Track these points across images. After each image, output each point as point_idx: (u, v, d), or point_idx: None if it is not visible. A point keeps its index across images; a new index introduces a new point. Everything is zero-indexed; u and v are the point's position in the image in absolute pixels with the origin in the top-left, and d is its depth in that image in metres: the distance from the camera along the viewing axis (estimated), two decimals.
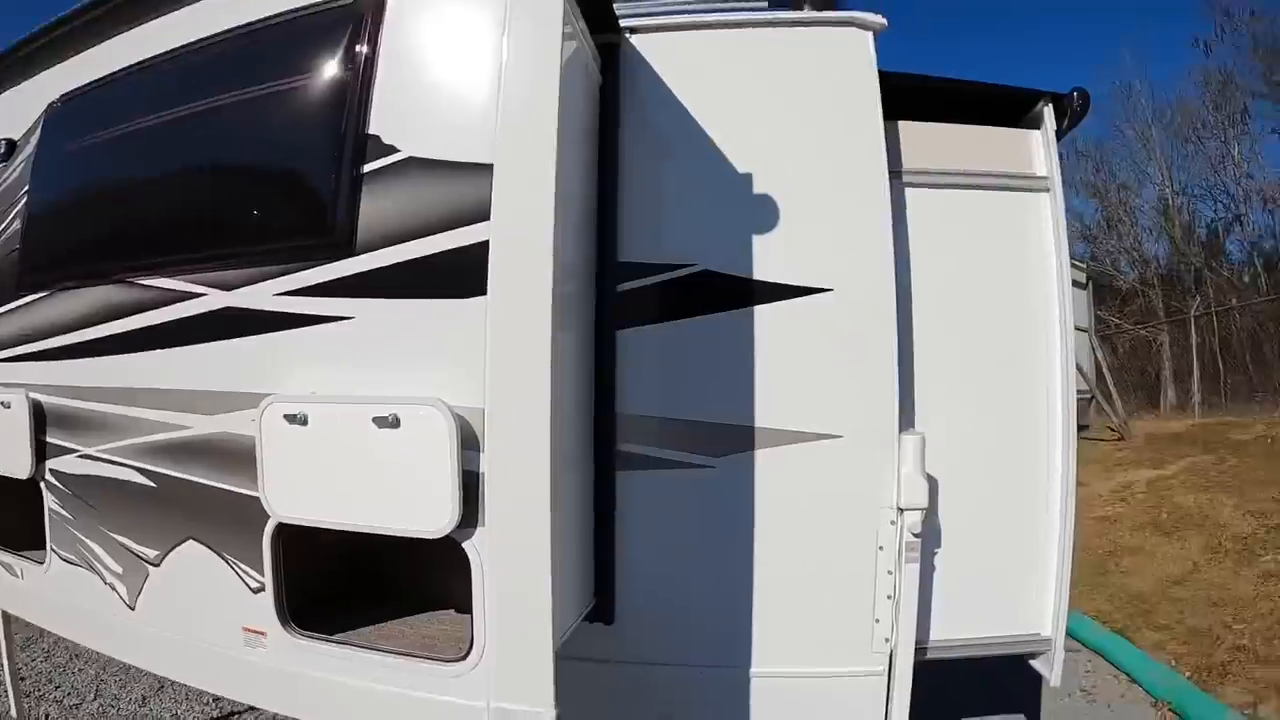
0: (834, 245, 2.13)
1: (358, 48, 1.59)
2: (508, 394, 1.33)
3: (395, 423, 1.39)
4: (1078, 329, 10.44)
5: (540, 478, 1.28)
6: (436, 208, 1.46)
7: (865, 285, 2.11)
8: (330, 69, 1.63)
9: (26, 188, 2.17)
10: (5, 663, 3.36)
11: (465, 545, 1.38)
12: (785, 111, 2.15)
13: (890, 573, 2.14)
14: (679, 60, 2.12)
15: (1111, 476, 8.25)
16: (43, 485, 2.08)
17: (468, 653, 1.39)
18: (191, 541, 1.75)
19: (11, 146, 2.22)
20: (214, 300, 1.74)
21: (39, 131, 2.18)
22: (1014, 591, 2.40)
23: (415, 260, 1.48)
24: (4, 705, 3.36)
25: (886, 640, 2.17)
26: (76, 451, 2.00)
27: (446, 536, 1.38)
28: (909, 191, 2.35)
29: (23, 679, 4.28)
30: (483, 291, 1.36)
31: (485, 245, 1.37)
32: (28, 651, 4.77)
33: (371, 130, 1.55)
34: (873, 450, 2.10)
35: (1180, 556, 5.67)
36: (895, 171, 2.30)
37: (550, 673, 1.32)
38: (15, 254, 2.17)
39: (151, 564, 1.83)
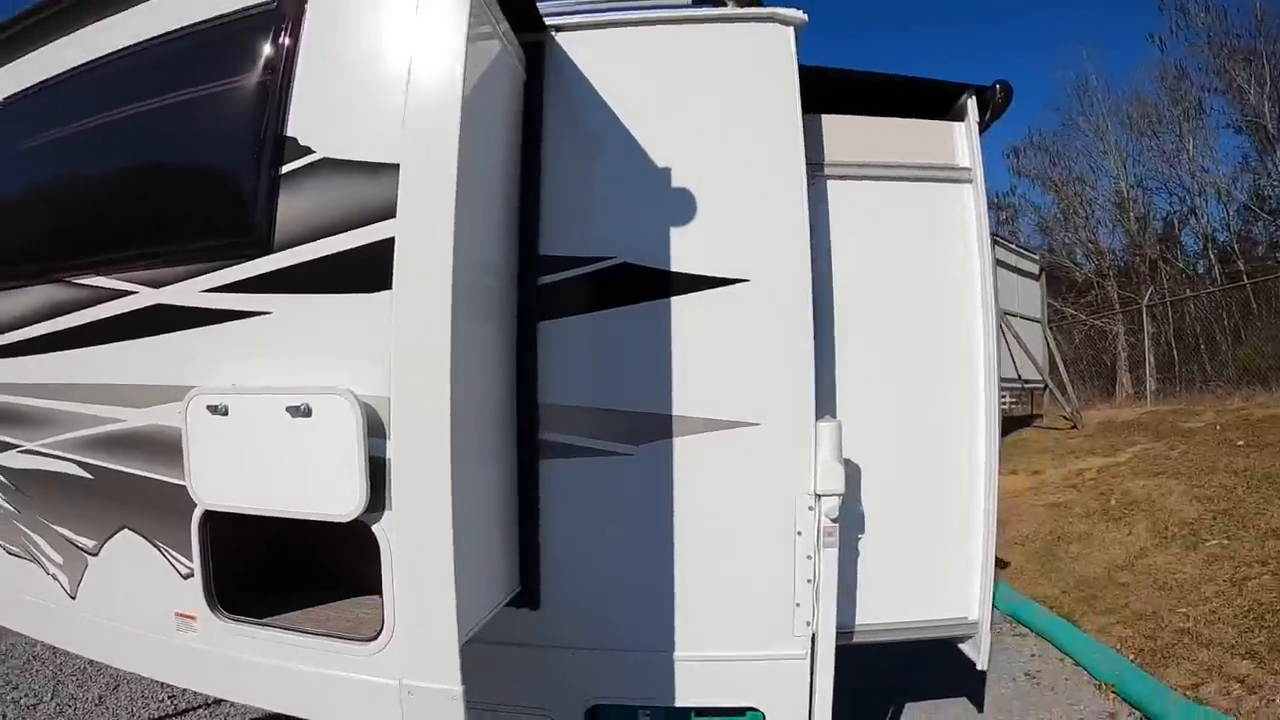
0: (751, 237, 2.17)
1: (278, 52, 1.65)
2: (410, 384, 1.40)
3: (307, 412, 1.45)
4: (1031, 319, 10.61)
5: (441, 464, 1.35)
6: (348, 206, 1.53)
7: (781, 276, 2.15)
8: (253, 73, 1.69)
9: None
10: None
11: (375, 529, 1.45)
12: (706, 106, 2.19)
13: (809, 558, 2.17)
14: (602, 57, 2.17)
15: (1063, 464, 8.41)
16: None
17: (379, 633, 1.45)
18: (126, 530, 1.81)
19: None
20: (145, 298, 1.80)
21: None
22: (939, 576, 2.46)
23: (328, 257, 1.55)
24: None
25: (808, 624, 2.20)
26: (18, 447, 2.04)
27: (356, 520, 1.44)
28: (831, 184, 2.40)
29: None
30: (388, 286, 1.43)
31: (391, 242, 1.44)
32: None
33: (289, 132, 1.61)
34: (789, 437, 2.15)
35: (1127, 542, 5.80)
36: (817, 164, 2.36)
37: (456, 651, 1.38)
38: None
39: (90, 553, 1.89)
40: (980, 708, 3.88)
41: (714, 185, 2.16)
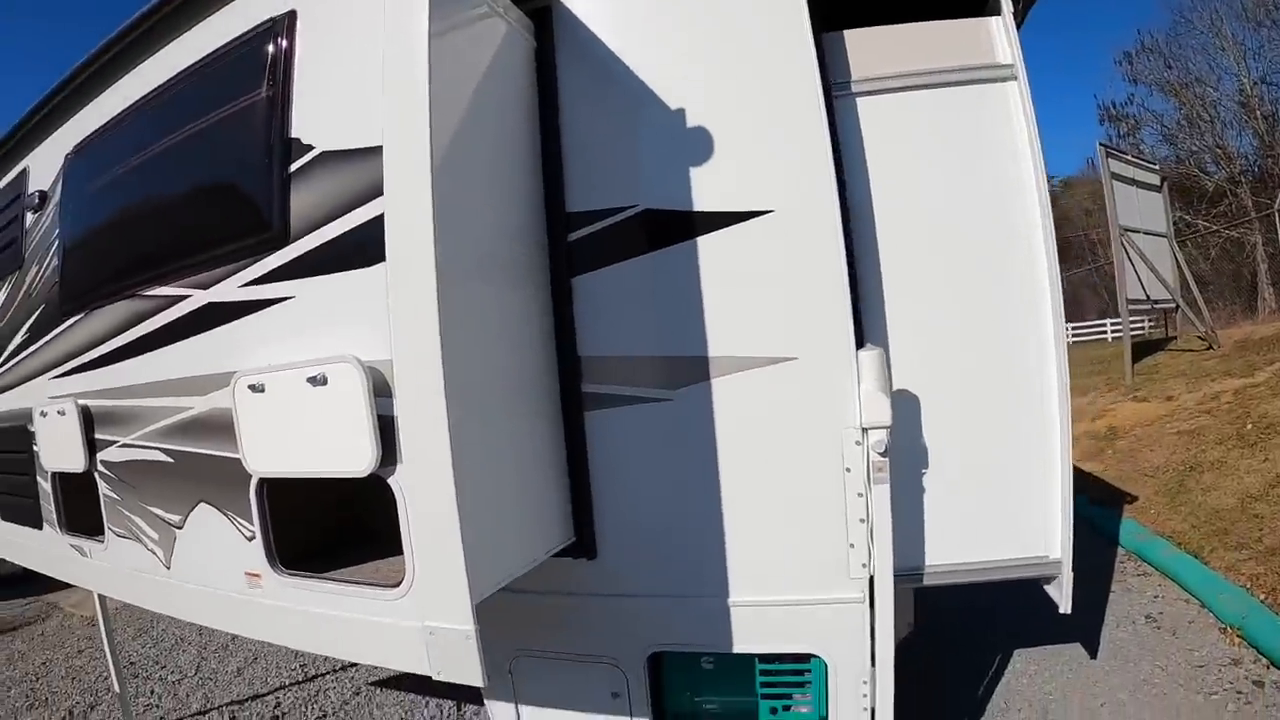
0: (770, 167, 2.14)
1: (278, 63, 1.83)
2: (406, 346, 1.52)
3: (324, 380, 1.62)
4: (1156, 235, 9.69)
5: (439, 419, 1.47)
6: (345, 191, 1.68)
7: (805, 203, 2.10)
8: (260, 86, 1.88)
9: (57, 230, 2.55)
10: (107, 645, 3.91)
11: (390, 482, 1.59)
12: (714, 41, 2.19)
13: (860, 495, 2.10)
14: (609, 9, 2.21)
15: (1198, 388, 7.66)
16: (95, 475, 2.46)
17: (401, 580, 1.59)
18: (203, 504, 2.07)
19: (43, 197, 2.60)
20: (198, 299, 2.04)
21: (61, 180, 2.55)
22: (1014, 512, 2.34)
23: (335, 239, 1.71)
24: (110, 683, 3.91)
25: (864, 565, 2.13)
26: (117, 442, 2.36)
27: (373, 475, 1.58)
28: (862, 101, 2.32)
29: (132, 663, 4.96)
30: (383, 258, 1.55)
31: (381, 218, 1.56)
32: (139, 640, 5.50)
33: (294, 134, 1.78)
34: (830, 370, 2.10)
35: (1264, 469, 5.27)
36: (843, 82, 2.30)
37: (467, 593, 1.50)
38: (56, 287, 2.55)
39: (178, 527, 2.17)
40: (1094, 654, 3.74)
41: (728, 118, 2.15)
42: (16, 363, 2.85)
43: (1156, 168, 10.10)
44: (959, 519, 2.33)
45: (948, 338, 2.29)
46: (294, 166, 1.77)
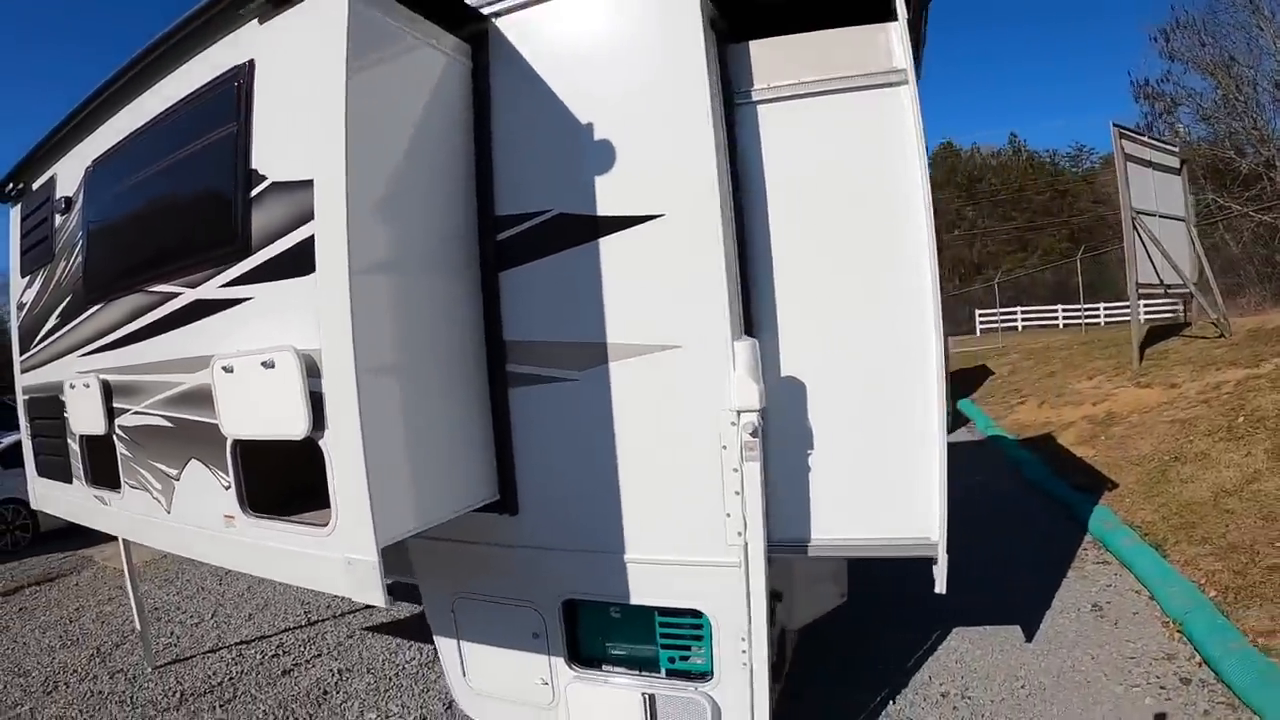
0: (663, 174, 2.44)
1: (241, 105, 2.30)
2: (327, 337, 2.00)
3: (272, 364, 2.13)
4: (1172, 218, 9.61)
5: (350, 394, 1.96)
6: (290, 215, 2.16)
7: (692, 207, 2.36)
8: (231, 123, 2.36)
9: (81, 231, 3.11)
10: (130, 589, 4.61)
11: (320, 444, 2.09)
12: (620, 58, 2.49)
13: (735, 470, 2.38)
14: (534, 32, 2.57)
15: (1202, 376, 7.70)
16: (114, 438, 3.05)
17: (329, 521, 2.09)
18: (194, 460, 2.62)
19: (69, 202, 3.17)
20: (188, 295, 2.56)
21: (83, 188, 3.11)
22: (894, 493, 2.50)
23: (281, 253, 2.19)
24: (134, 624, 4.62)
25: (739, 534, 2.42)
26: (130, 410, 2.93)
27: (308, 439, 2.09)
28: (762, 109, 2.52)
29: (157, 608, 5.74)
30: (314, 269, 2.04)
31: (313, 237, 2.04)
32: (164, 589, 6.32)
33: (254, 165, 2.26)
34: (709, 358, 2.37)
35: (1243, 464, 5.43)
36: (745, 92, 2.54)
37: (372, 533, 1.98)
38: (81, 280, 3.13)
39: (175, 479, 2.73)
40: (1030, 638, 3.95)
41: (630, 131, 2.46)
42: (50, 343, 3.48)
43: (1175, 150, 9.94)
44: (842, 497, 2.54)
45: (835, 329, 2.49)
46: (254, 193, 2.25)
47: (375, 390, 2.03)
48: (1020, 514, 6.36)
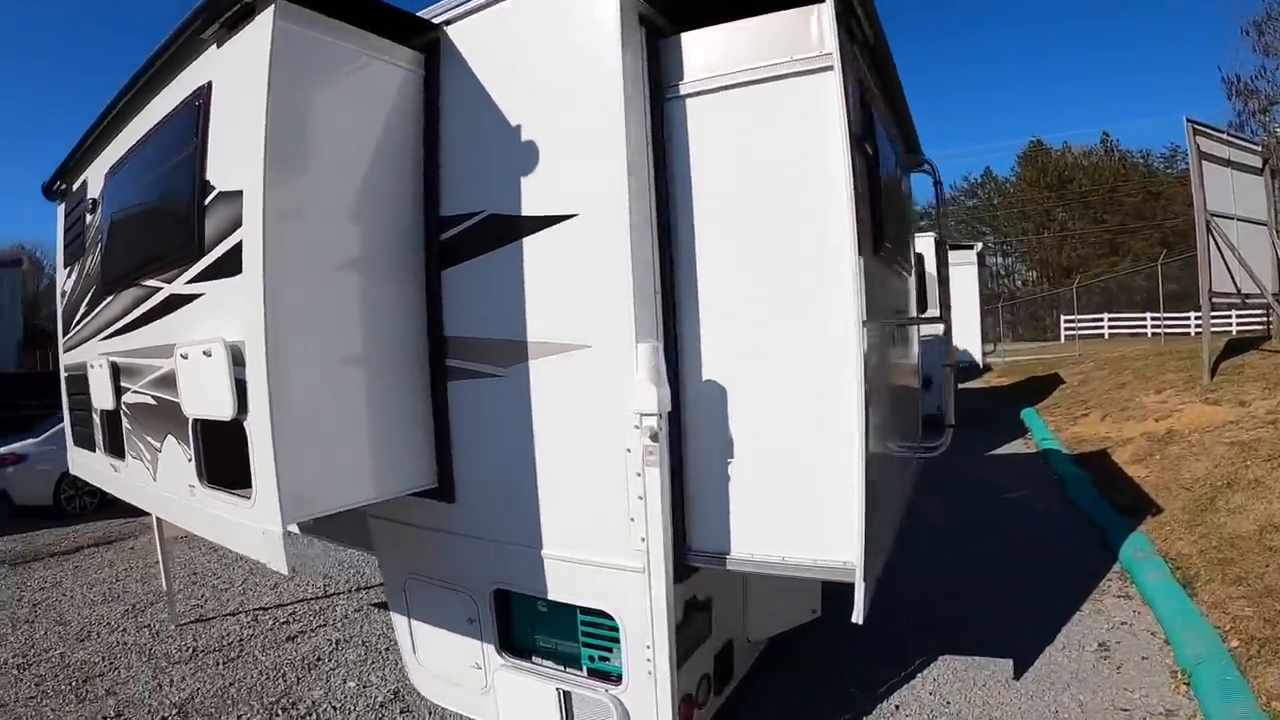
0: (578, 174, 2.49)
1: (198, 124, 2.63)
2: (247, 331, 2.29)
3: (209, 353, 2.44)
4: (1253, 222, 8.87)
5: (263, 382, 2.24)
6: (228, 222, 2.45)
7: (603, 206, 2.41)
8: (191, 141, 2.70)
9: (103, 229, 3.59)
10: (160, 553, 5.19)
11: (244, 425, 2.38)
12: (546, 58, 2.59)
13: (638, 475, 2.40)
14: (477, 39, 2.74)
15: (1274, 395, 7.15)
16: (120, 413, 3.51)
17: (251, 494, 2.38)
18: (169, 435, 2.99)
19: (95, 204, 3.66)
20: (165, 291, 2.94)
21: (103, 191, 3.58)
22: (813, 513, 2.39)
23: (221, 255, 2.50)
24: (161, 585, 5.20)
25: (642, 539, 2.43)
26: (130, 389, 3.37)
27: (234, 420, 2.39)
28: (690, 102, 2.48)
29: (196, 572, 6.40)
30: (241, 270, 2.33)
31: (241, 243, 2.34)
32: (208, 556, 7.01)
33: (207, 176, 2.59)
34: (615, 359, 2.39)
35: None
36: (674, 85, 2.50)
37: (278, 508, 2.24)
38: (100, 273, 3.60)
39: (159, 451, 3.13)
40: (1019, 674, 3.79)
41: (552, 130, 2.57)
42: (81, 327, 4.02)
43: (1258, 148, 9.11)
44: (759, 510, 2.45)
45: (755, 333, 2.42)
46: (206, 201, 2.57)
47: (289, 379, 2.30)
48: (1052, 534, 6.12)
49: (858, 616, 2.28)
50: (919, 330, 4.89)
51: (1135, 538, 5.47)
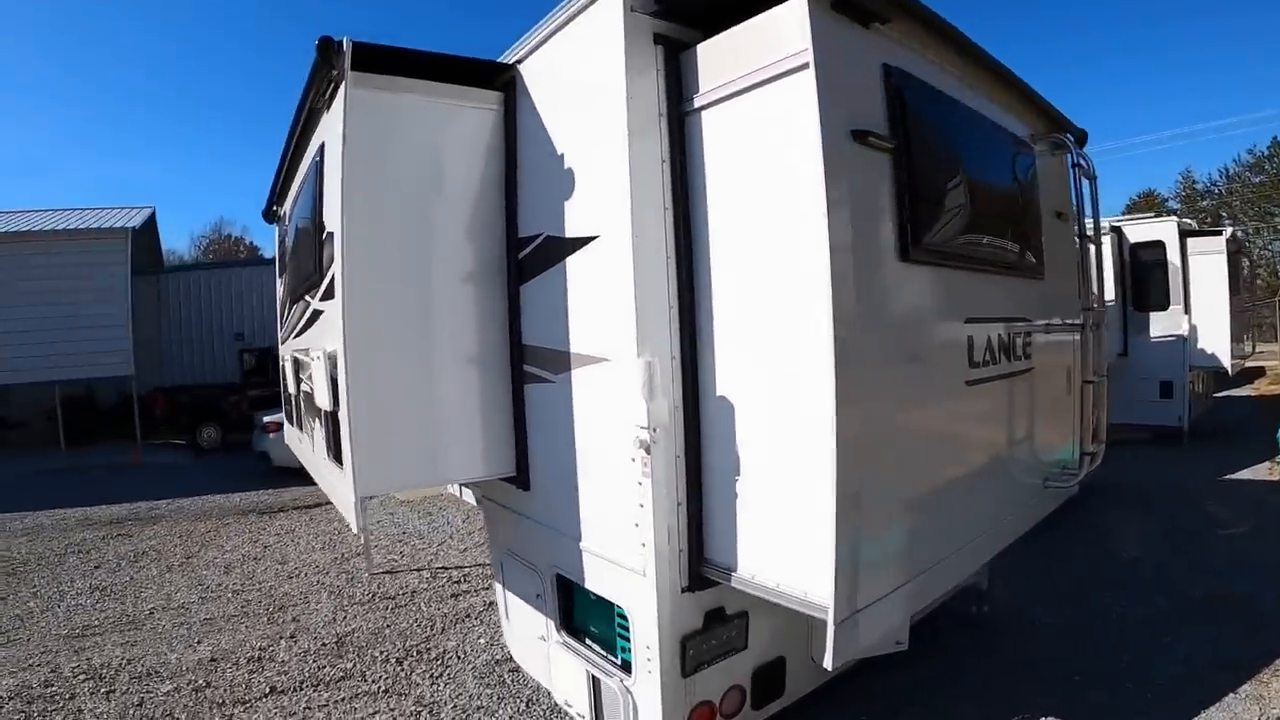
0: (600, 198, 2.68)
1: (320, 174, 3.29)
2: (336, 344, 2.90)
3: (318, 359, 3.10)
4: None
5: (344, 384, 2.81)
6: (329, 256, 3.06)
7: (615, 227, 2.57)
8: (316, 187, 3.38)
9: (288, 253, 4.56)
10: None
11: (338, 415, 2.98)
12: (576, 87, 2.83)
13: (640, 484, 2.54)
14: (536, 75, 3.10)
15: None
16: (299, 397, 4.47)
17: (344, 468, 2.98)
18: (315, 418, 3.80)
19: (285, 231, 4.66)
20: (311, 306, 3.71)
21: (288, 222, 4.56)
22: (796, 539, 2.29)
23: (328, 282, 3.12)
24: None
25: (643, 545, 2.57)
26: (301, 380, 4.31)
27: (333, 411, 3.00)
28: (705, 115, 2.49)
29: (406, 532, 7.78)
30: (334, 295, 2.92)
31: (335, 274, 2.93)
32: (422, 520, 8.53)
33: (323, 218, 3.24)
34: (625, 372, 2.55)
35: None
36: (690, 99, 2.53)
37: (352, 482, 2.83)
38: (288, 286, 4.59)
39: (313, 429, 3.98)
40: None
41: (585, 154, 2.76)
42: (283, 327, 5.16)
43: None
44: (762, 531, 2.42)
45: (756, 348, 2.40)
46: (321, 237, 3.23)
47: (366, 383, 2.86)
48: (1253, 590, 5.05)
49: (828, 662, 2.13)
50: (1095, 330, 4.08)
51: None
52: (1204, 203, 37.73)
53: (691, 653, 2.71)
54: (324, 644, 4.91)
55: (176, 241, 57.23)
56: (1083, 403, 3.80)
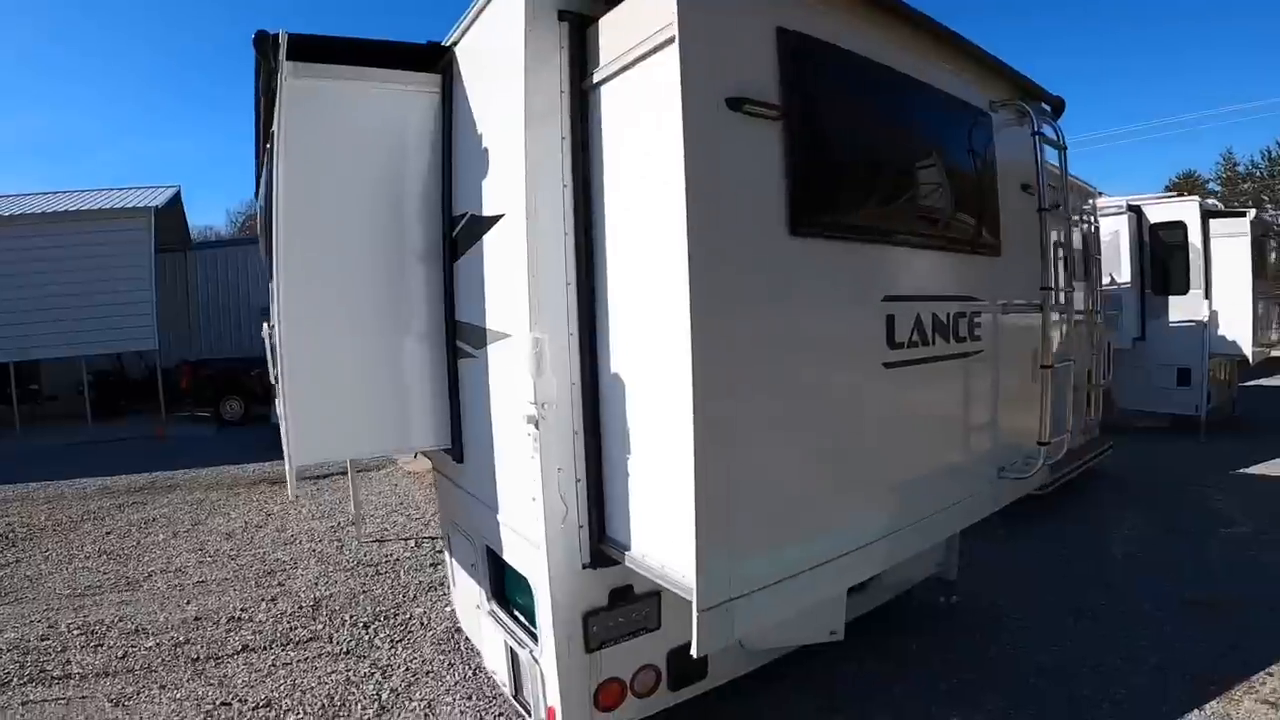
0: (504, 176, 2.73)
1: (274, 158, 3.42)
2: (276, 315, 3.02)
3: (266, 332, 3.23)
4: None
5: (281, 356, 2.95)
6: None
7: (514, 205, 2.63)
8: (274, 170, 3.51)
9: None
10: (351, 486, 6.66)
11: (279, 385, 3.13)
12: (491, 65, 2.88)
13: (532, 458, 2.61)
14: (465, 56, 3.15)
15: None
16: None
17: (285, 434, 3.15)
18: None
19: None
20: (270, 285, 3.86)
21: None
22: (667, 518, 2.30)
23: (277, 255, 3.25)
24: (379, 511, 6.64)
25: (537, 520, 2.63)
26: None
27: (276, 381, 3.16)
28: (603, 91, 2.50)
29: (403, 503, 8.06)
30: (273, 276, 3.06)
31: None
32: (423, 492, 8.61)
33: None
34: (523, 349, 2.59)
35: None
36: (590, 75, 2.52)
37: (288, 445, 2.99)
38: None
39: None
40: None
41: (496, 133, 2.82)
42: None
43: None
44: (651, 511, 2.43)
45: (642, 326, 2.41)
46: (273, 219, 3.36)
47: (302, 358, 3.04)
48: (1241, 593, 4.89)
49: (694, 648, 2.12)
50: (1062, 312, 3.95)
51: None
52: (1245, 185, 36.05)
53: (595, 629, 2.77)
54: (301, 607, 5.18)
55: (215, 218, 59.57)
56: (1042, 391, 3.58)
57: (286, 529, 7.39)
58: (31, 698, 4.05)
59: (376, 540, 6.79)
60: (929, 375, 3.04)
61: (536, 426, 2.56)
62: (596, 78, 2.53)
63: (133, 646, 4.66)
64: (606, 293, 2.58)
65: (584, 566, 2.71)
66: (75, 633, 4.89)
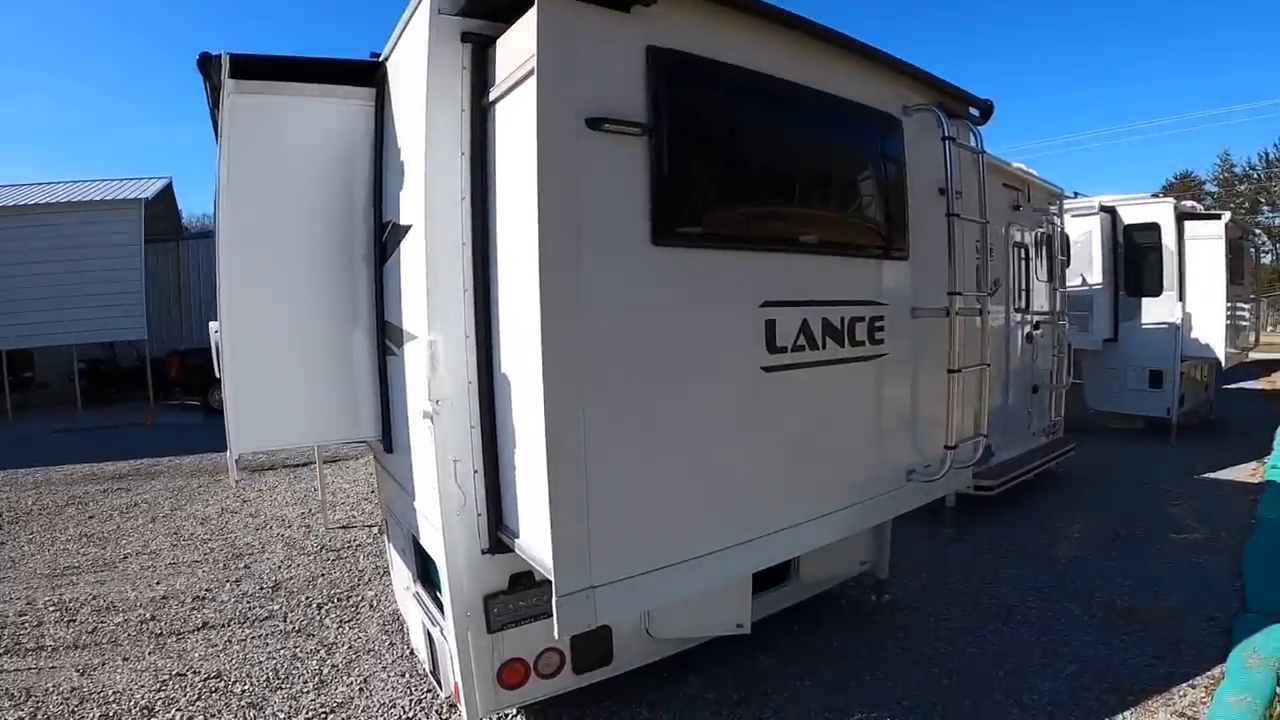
0: (413, 189, 2.97)
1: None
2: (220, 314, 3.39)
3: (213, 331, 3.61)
4: None
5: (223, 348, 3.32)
6: None
7: (418, 216, 2.86)
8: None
9: None
10: (319, 474, 7.03)
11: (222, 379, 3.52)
12: (407, 80, 3.08)
13: (430, 450, 2.87)
14: (394, 71, 3.45)
15: None
16: None
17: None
18: None
19: None
20: None
21: None
22: (533, 510, 2.56)
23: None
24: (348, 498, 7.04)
25: (436, 507, 2.90)
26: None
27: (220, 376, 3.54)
28: (498, 108, 2.71)
29: (374, 489, 8.30)
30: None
31: None
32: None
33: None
34: (424, 348, 2.85)
35: None
36: (488, 93, 2.74)
37: (236, 430, 3.36)
38: None
39: None
40: None
41: (410, 149, 3.00)
42: None
43: None
44: (532, 504, 2.59)
45: (517, 332, 2.64)
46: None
47: (241, 355, 3.41)
48: (1171, 603, 4.90)
49: (555, 631, 2.35)
50: (972, 317, 4.04)
51: (1272, 633, 4.10)
52: (1242, 186, 35.87)
53: (496, 611, 3.04)
54: (263, 588, 5.59)
55: (211, 205, 60.72)
56: (949, 395, 3.76)
57: (259, 515, 7.81)
58: (5, 667, 4.47)
59: (342, 526, 7.20)
60: (820, 379, 3.23)
61: (432, 420, 2.86)
62: (492, 96, 2.76)
63: (102, 622, 5.07)
64: (498, 299, 2.84)
65: (484, 552, 2.96)
66: (51, 609, 5.32)
